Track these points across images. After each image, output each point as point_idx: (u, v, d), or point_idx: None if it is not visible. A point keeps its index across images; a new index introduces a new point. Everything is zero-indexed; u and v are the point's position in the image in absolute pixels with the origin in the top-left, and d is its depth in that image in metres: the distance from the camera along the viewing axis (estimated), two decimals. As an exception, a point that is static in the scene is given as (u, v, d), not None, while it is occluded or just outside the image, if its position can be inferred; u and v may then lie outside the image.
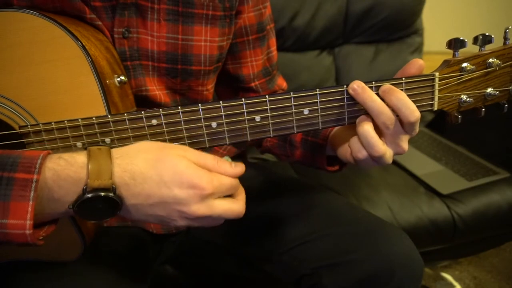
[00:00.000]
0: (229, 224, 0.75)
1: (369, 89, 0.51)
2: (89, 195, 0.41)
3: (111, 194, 0.42)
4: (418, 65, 0.53)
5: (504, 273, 1.51)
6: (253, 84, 0.78)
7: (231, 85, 0.79)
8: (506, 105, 0.56)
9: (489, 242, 1.30)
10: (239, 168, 0.48)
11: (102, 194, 0.41)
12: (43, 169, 0.41)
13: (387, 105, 0.50)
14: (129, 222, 0.70)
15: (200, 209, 0.44)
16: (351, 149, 0.54)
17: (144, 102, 0.63)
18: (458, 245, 1.19)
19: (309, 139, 0.67)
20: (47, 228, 0.44)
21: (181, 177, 0.43)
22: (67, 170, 0.42)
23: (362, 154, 0.52)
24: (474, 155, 1.33)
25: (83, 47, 0.51)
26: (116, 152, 0.44)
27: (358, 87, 0.50)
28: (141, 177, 0.43)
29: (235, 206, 0.47)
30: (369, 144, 0.51)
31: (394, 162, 1.29)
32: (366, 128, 0.51)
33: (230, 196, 0.48)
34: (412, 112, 0.50)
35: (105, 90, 0.52)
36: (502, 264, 1.55)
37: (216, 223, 0.48)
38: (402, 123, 0.51)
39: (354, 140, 0.53)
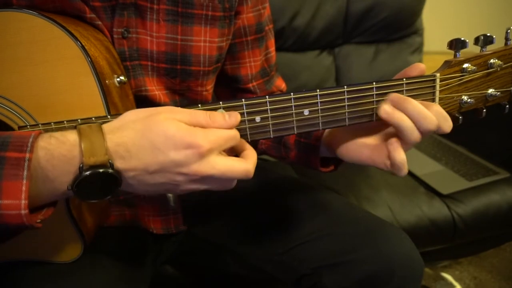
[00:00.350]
0: (229, 224, 0.76)
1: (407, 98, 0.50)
2: (88, 173, 0.40)
3: (110, 170, 0.41)
4: (419, 69, 0.52)
5: (504, 273, 1.51)
6: (250, 85, 0.78)
7: (229, 86, 0.79)
8: (507, 106, 0.56)
9: (489, 242, 1.30)
10: (234, 117, 0.47)
11: (101, 170, 0.40)
12: (36, 148, 0.40)
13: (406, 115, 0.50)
14: (129, 221, 0.70)
15: (200, 167, 0.43)
16: (392, 150, 0.51)
17: (144, 102, 0.63)
18: (458, 245, 1.19)
19: (302, 140, 0.67)
20: (45, 211, 0.43)
21: (174, 140, 0.42)
22: (59, 149, 0.41)
23: (401, 154, 0.51)
24: (474, 155, 1.33)
25: (83, 47, 0.50)
26: (106, 127, 0.43)
27: (398, 98, 0.50)
28: (135, 148, 0.42)
29: (240, 164, 0.45)
30: (407, 129, 0.50)
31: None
32: (399, 116, 0.50)
33: (236, 156, 0.47)
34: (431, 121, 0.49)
35: (104, 91, 0.52)
36: (502, 264, 1.55)
37: (227, 185, 0.46)
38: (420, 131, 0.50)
39: (391, 140, 0.52)
